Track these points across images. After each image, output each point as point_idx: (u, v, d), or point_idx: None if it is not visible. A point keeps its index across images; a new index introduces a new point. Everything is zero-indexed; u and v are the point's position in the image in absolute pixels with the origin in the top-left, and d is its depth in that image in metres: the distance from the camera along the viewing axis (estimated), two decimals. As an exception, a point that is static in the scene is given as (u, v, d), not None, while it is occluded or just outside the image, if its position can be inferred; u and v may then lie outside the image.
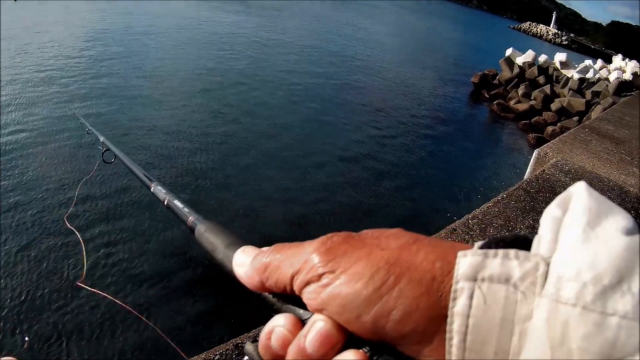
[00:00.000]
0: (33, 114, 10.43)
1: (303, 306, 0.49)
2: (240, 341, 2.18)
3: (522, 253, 0.38)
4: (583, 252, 0.34)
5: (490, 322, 0.37)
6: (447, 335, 0.39)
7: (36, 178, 7.90)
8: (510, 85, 21.67)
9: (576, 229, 0.36)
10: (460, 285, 0.39)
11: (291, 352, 0.47)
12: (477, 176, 12.58)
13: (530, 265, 0.37)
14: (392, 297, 0.41)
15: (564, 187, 3.97)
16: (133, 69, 15.71)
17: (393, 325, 0.41)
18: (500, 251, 0.39)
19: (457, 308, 0.38)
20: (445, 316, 0.39)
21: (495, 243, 0.41)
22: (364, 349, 0.43)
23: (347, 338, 0.45)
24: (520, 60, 22.38)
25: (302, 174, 10.51)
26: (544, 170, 4.41)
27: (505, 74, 22.50)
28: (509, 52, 22.88)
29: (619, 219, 0.36)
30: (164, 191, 1.05)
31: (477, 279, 0.39)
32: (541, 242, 0.39)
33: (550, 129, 17.13)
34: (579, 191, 0.40)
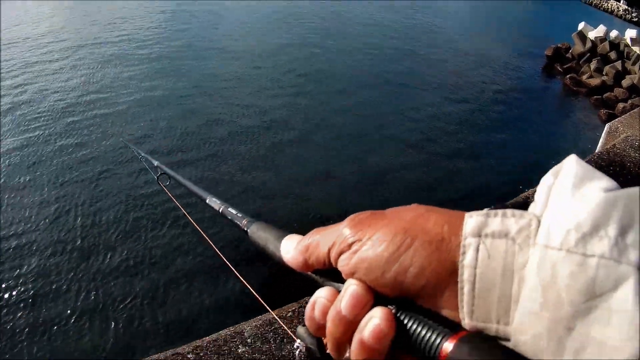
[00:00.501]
0: (84, 143, 9.67)
1: (341, 281, 0.56)
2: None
3: (517, 212, 0.45)
4: (568, 206, 0.41)
5: (493, 272, 0.43)
6: (459, 285, 0.45)
7: (95, 211, 7.66)
8: (582, 60, 21.14)
9: (563, 190, 0.43)
10: (468, 241, 0.45)
11: (330, 317, 0.54)
12: (550, 148, 12.46)
13: (525, 221, 0.44)
14: (408, 256, 0.49)
15: (634, 162, 3.91)
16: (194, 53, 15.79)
17: (411, 280, 0.48)
18: (500, 211, 0.46)
19: (466, 261, 0.45)
20: (454, 271, 0.46)
21: (497, 207, 0.48)
22: (389, 306, 0.50)
23: (376, 299, 0.51)
24: (592, 35, 21.71)
25: (375, 144, 10.87)
26: (614, 144, 4.36)
27: (578, 48, 21.95)
28: (581, 26, 22.23)
29: (601, 181, 0.42)
30: (218, 202, 1.17)
31: (482, 235, 0.45)
32: (536, 204, 0.46)
33: (621, 105, 16.86)
34: (569, 161, 0.47)
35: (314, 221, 7.67)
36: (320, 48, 17.83)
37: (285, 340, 2.48)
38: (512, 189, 9.06)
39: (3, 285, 6.32)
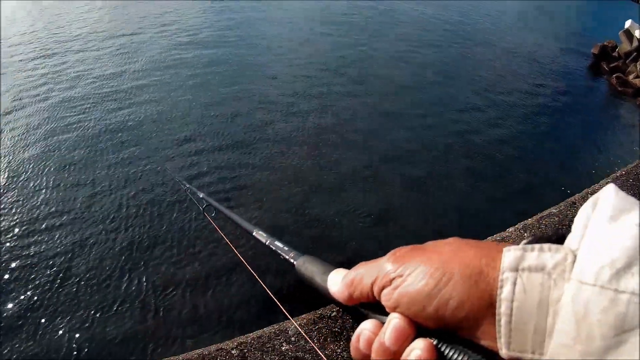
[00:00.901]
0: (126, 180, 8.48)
1: (385, 313, 0.58)
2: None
3: (554, 246, 0.47)
4: (603, 241, 0.42)
5: (530, 305, 0.45)
6: (497, 317, 0.47)
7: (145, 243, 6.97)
8: (629, 59, 20.21)
9: (600, 223, 0.44)
10: (506, 275, 0.47)
11: (374, 348, 0.56)
12: (593, 151, 12.01)
13: (561, 256, 0.45)
14: (448, 290, 0.51)
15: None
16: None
17: (451, 313, 0.51)
18: (537, 245, 0.48)
19: (504, 294, 0.47)
20: (492, 303, 0.48)
21: (536, 240, 0.50)
22: (430, 338, 0.53)
23: (417, 331, 0.54)
24: (638, 33, 20.98)
25: (415, 140, 10.71)
26: (662, 149, 4.47)
27: (625, 46, 20.93)
28: (627, 24, 21.10)
29: (635, 212, 0.44)
30: (265, 235, 1.21)
31: (519, 269, 0.47)
32: (573, 236, 0.48)
33: (668, 107, 16.06)
34: (607, 191, 0.47)
35: (358, 227, 7.60)
36: (367, 47, 17.65)
37: (329, 339, 2.59)
38: (557, 192, 8.87)
39: (53, 266, 6.43)
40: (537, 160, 10.97)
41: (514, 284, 0.46)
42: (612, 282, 0.39)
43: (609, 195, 0.47)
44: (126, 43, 15.96)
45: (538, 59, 19.58)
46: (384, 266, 0.59)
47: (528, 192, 9.35)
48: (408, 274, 0.55)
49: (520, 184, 9.75)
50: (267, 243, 1.16)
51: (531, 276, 0.46)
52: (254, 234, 1.30)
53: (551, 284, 0.44)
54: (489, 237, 5.94)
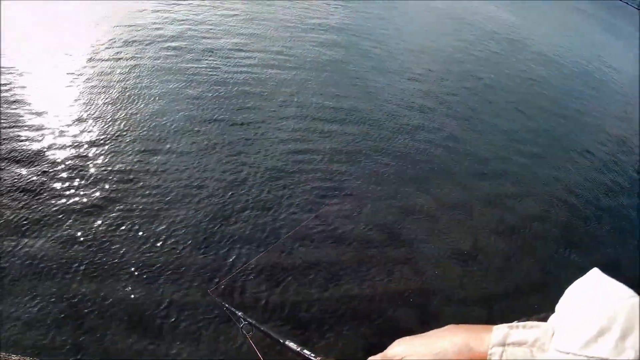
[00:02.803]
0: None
1: None
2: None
3: (536, 323, 0.53)
4: (578, 315, 0.47)
5: None
6: None
7: None
8: None
9: (577, 300, 0.50)
10: (493, 350, 0.53)
11: None
12: None
13: (541, 331, 0.51)
14: None
15: None
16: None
17: None
18: (521, 323, 0.54)
19: None
20: None
21: (523, 320, 0.56)
22: None
23: None
24: None
25: (521, 189, 9.54)
26: None
27: None
28: None
29: (615, 291, 0.48)
30: (295, 345, 1.37)
31: (505, 344, 0.53)
32: (555, 314, 0.54)
33: None
34: (591, 274, 0.54)
35: (440, 258, 6.81)
36: (486, 83, 15.99)
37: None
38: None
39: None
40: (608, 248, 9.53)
41: (501, 357, 0.54)
42: (584, 350, 0.45)
43: (591, 277, 0.55)
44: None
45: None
46: (390, 353, 0.68)
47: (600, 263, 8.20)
48: (409, 357, 0.63)
49: (600, 255, 8.35)
50: (298, 350, 1.33)
51: (515, 350, 0.53)
52: (286, 342, 1.47)
53: (531, 355, 0.51)
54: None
